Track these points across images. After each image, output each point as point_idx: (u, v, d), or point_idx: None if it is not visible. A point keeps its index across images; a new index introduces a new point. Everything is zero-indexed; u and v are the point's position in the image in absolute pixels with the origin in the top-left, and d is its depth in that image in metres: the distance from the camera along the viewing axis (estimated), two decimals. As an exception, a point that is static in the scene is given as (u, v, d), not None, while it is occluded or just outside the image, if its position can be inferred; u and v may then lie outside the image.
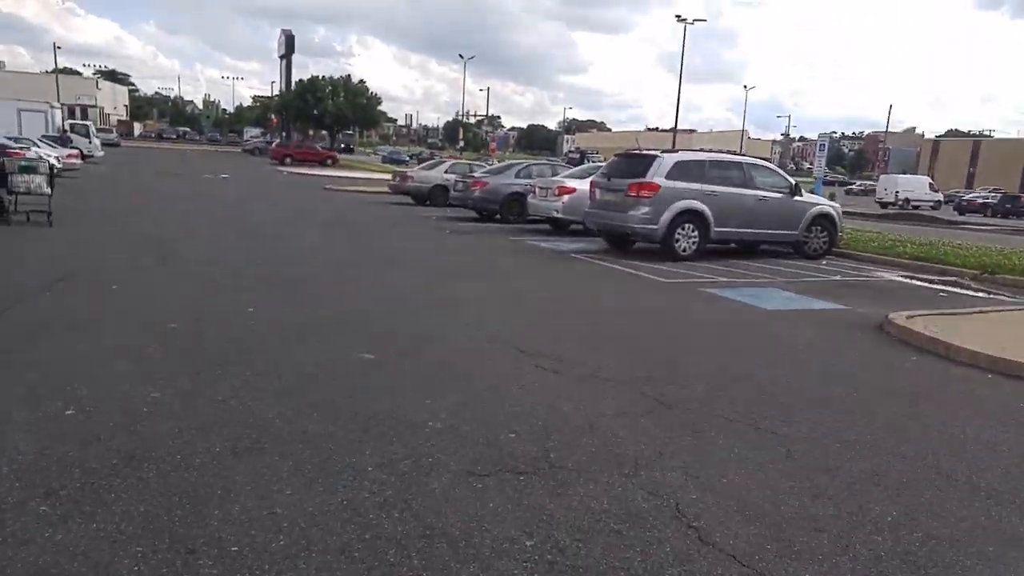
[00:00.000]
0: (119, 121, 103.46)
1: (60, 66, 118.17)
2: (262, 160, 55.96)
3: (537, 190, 16.29)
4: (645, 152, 12.87)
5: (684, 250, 12.38)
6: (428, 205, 22.37)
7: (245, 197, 22.61)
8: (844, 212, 15.36)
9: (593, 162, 26.82)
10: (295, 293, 7.87)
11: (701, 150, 13.29)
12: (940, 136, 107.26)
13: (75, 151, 28.12)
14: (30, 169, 12.22)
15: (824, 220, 13.62)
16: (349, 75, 66.94)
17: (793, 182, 13.45)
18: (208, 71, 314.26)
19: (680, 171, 12.30)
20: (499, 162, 27.41)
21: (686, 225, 12.30)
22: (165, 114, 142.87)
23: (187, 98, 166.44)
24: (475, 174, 19.13)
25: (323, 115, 61.44)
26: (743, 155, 13.97)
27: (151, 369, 4.90)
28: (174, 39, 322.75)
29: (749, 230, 12.97)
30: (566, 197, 15.42)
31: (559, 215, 15.56)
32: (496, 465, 3.70)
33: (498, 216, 18.31)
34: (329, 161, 51.99)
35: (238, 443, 3.77)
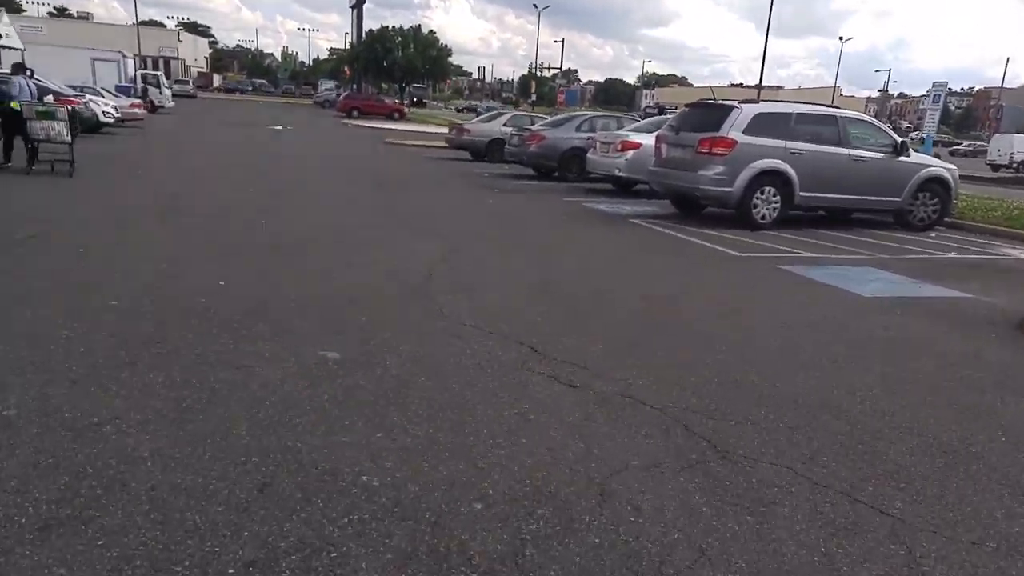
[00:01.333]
0: (199, 73, 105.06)
1: (148, 19, 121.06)
2: (330, 112, 55.45)
3: (598, 145, 14.63)
4: (720, 103, 11.05)
5: (763, 217, 10.61)
6: (485, 161, 20.95)
7: (295, 149, 21.65)
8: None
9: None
10: (282, 264, 6.64)
11: (787, 102, 11.37)
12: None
13: (138, 101, 27.69)
14: (48, 115, 11.37)
15: (935, 185, 11.53)
16: (419, 26, 65.51)
17: (898, 140, 11.39)
18: (288, 23, 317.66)
19: (761, 125, 10.47)
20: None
21: (766, 188, 10.51)
22: (245, 67, 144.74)
23: (267, 51, 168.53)
24: (532, 127, 17.51)
25: (392, 66, 60.24)
26: (836, 107, 11.92)
27: (40, 363, 3.72)
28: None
29: (841, 195, 11.06)
30: (630, 153, 13.74)
31: (621, 173, 13.90)
32: None
33: (556, 174, 16.74)
34: (396, 114, 50.89)
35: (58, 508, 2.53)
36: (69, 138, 11.67)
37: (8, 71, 13.88)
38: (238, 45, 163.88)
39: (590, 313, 5.63)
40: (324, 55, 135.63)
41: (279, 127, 33.15)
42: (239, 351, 4.19)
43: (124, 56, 39.17)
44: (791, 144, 10.54)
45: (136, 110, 26.81)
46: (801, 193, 10.70)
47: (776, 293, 6.78)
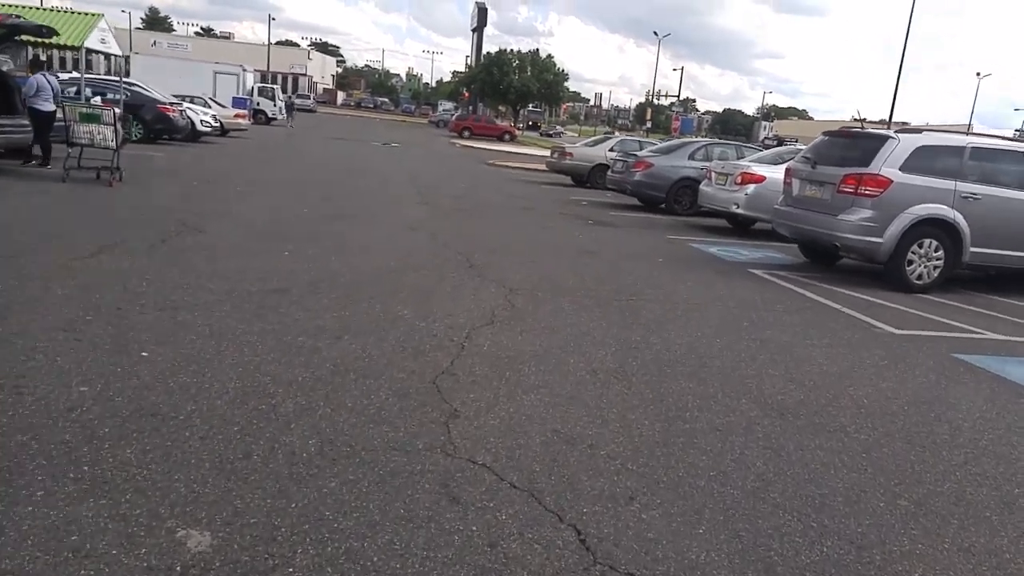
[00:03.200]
0: (324, 89, 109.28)
1: (284, 39, 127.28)
2: (443, 132, 55.41)
3: (713, 176, 12.67)
4: (871, 132, 8.94)
5: (919, 278, 8.42)
6: (587, 187, 19.31)
7: (392, 167, 20.71)
8: None
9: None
10: (293, 314, 5.19)
11: (956, 133, 9.10)
12: None
13: (243, 112, 27.80)
14: (92, 118, 10.57)
15: None
16: (537, 49, 64.70)
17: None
18: (418, 46, 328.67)
19: (923, 160, 8.31)
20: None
21: (926, 241, 8.32)
22: (371, 85, 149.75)
23: (393, 71, 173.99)
24: (638, 153, 15.69)
25: (508, 89, 59.66)
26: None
27: None
28: (389, 17, 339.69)
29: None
30: (751, 187, 11.73)
31: (739, 210, 11.89)
32: None
33: (663, 206, 14.86)
34: (508, 136, 50.13)
35: None
36: (114, 144, 10.83)
37: (102, 75, 13.43)
38: (366, 65, 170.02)
39: (688, 440, 3.81)
40: (447, 77, 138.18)
41: (384, 143, 32.81)
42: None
43: (244, 70, 40.19)
44: (963, 186, 8.31)
45: (240, 120, 26.90)
46: (973, 249, 8.43)
47: (969, 408, 4.70)
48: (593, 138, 23.12)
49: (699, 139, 17.25)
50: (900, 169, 8.19)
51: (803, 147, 13.15)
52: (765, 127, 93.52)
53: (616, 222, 12.84)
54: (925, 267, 8.41)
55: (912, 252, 8.32)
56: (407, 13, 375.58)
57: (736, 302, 7.10)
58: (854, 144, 8.85)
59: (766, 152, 14.13)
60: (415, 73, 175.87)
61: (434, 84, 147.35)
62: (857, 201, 8.29)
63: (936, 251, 8.38)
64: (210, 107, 25.93)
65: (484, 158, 30.47)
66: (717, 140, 18.70)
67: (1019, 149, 8.79)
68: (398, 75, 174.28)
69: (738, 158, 14.43)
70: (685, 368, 4.82)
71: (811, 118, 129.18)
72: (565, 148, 20.77)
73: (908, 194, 8.20)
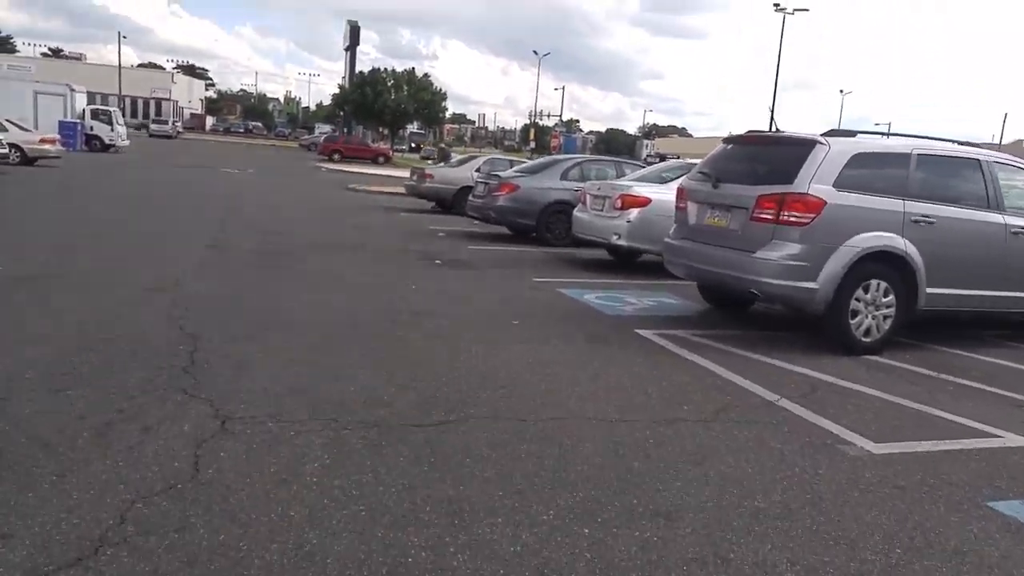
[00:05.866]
0: (192, 115, 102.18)
1: (155, 63, 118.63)
2: (313, 156, 51.56)
3: (588, 199, 10.18)
4: (793, 136, 6.62)
5: (867, 333, 6.10)
6: (453, 213, 16.58)
7: (220, 198, 17.24)
8: None
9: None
10: None
11: (898, 135, 6.90)
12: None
13: (51, 136, 23.38)
14: None
15: None
16: (413, 68, 61.95)
17: (1078, 200, 6.93)
18: (297, 69, 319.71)
19: (861, 172, 6.02)
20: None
21: (872, 283, 6.01)
22: (248, 110, 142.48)
23: (273, 95, 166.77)
24: (501, 174, 13.08)
25: (383, 109, 56.45)
26: (973, 144, 7.39)
27: None
28: (268, 41, 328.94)
29: (993, 292, 6.55)
30: (633, 212, 9.30)
31: (621, 242, 9.42)
32: None
33: (535, 235, 12.31)
34: (382, 159, 46.92)
35: None
36: None
37: None
38: (242, 89, 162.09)
39: None
40: (328, 100, 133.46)
41: (237, 170, 29.04)
42: None
43: (72, 90, 35.17)
44: (912, 206, 6.08)
45: (48, 146, 22.54)
46: (929, 290, 6.19)
47: None
48: (458, 158, 20.46)
49: (572, 156, 14.82)
50: (834, 186, 5.85)
51: (689, 160, 10.93)
52: (647, 145, 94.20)
53: (473, 260, 10.11)
54: (873, 318, 6.09)
55: (856, 299, 5.99)
56: (286, 38, 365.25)
57: (618, 405, 4.44)
58: (770, 153, 6.49)
59: (649, 169, 11.81)
60: (293, 96, 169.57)
61: (313, 107, 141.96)
62: (780, 232, 5.88)
63: (886, 296, 6.09)
64: (6, 130, 21.61)
65: (348, 182, 27.36)
66: (593, 156, 16.37)
67: (975, 156, 6.65)
68: (276, 99, 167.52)
69: (617, 176, 12.09)
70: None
71: (691, 135, 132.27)
72: (425, 170, 18.00)
73: (847, 220, 5.88)
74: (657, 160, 42.91)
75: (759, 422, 4.30)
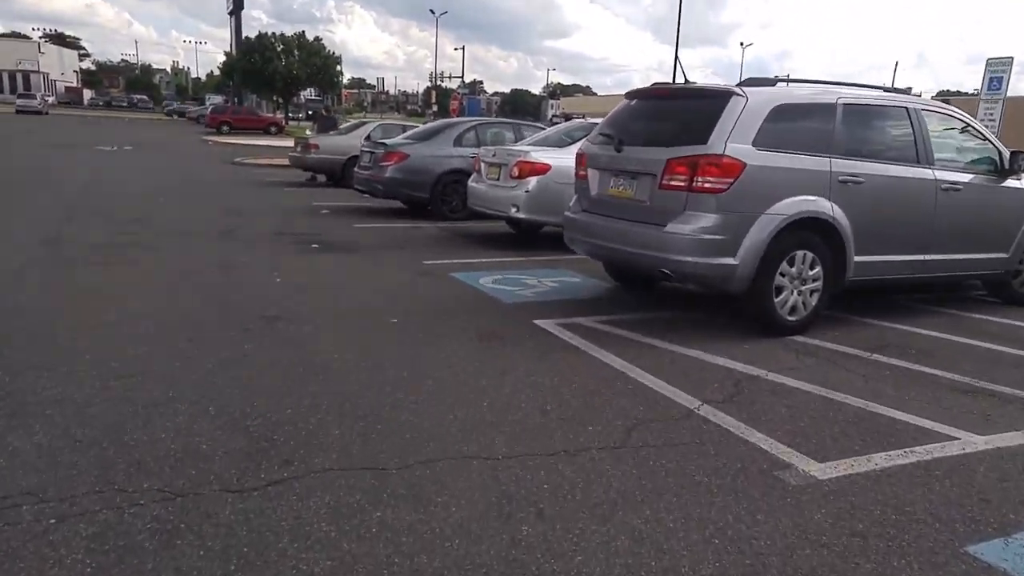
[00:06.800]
0: (67, 88, 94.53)
1: (16, 31, 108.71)
2: (199, 128, 48.22)
3: (483, 167, 9.16)
4: (705, 88, 5.77)
5: (793, 311, 5.38)
6: (345, 186, 15.23)
7: (95, 178, 15.25)
8: None
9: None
10: None
11: (818, 82, 6.12)
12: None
13: None
14: None
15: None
16: (303, 32, 58.51)
17: (1004, 150, 6.39)
18: (183, 37, 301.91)
19: (783, 127, 5.23)
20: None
21: (798, 254, 5.28)
22: (132, 82, 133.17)
23: (159, 66, 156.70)
24: (388, 141, 11.84)
25: (273, 76, 53.30)
26: (899, 90, 6.68)
27: None
28: (149, 5, 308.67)
29: (924, 256, 5.96)
30: (532, 181, 8.35)
31: (519, 214, 8.48)
32: None
33: (430, 208, 11.22)
34: (274, 129, 44.30)
35: None
36: None
37: None
38: (123, 60, 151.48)
39: None
40: (219, 71, 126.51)
41: (114, 147, 26.44)
42: None
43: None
44: (839, 164, 5.35)
45: None
46: (857, 259, 5.52)
47: None
48: (347, 124, 18.96)
49: (466, 119, 13.71)
50: (753, 144, 5.04)
51: (594, 120, 10.06)
52: (552, 105, 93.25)
53: (356, 241, 8.96)
54: (799, 294, 5.38)
55: (781, 274, 5.25)
56: (168, 2, 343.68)
57: (509, 432, 3.50)
58: (679, 109, 5.61)
59: (549, 131, 10.86)
60: (182, 67, 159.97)
61: (204, 77, 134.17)
62: (693, 201, 5.04)
63: (812, 268, 5.38)
64: None
65: (235, 156, 25.36)
66: (488, 119, 15.25)
67: (902, 103, 5.97)
68: (163, 70, 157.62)
69: (516, 140, 11.12)
70: None
71: (595, 94, 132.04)
72: (309, 140, 16.50)
73: (769, 183, 5.09)
74: (562, 121, 42.17)
75: (679, 444, 3.46)
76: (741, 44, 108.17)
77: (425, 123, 15.76)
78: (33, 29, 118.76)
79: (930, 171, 5.84)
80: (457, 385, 4.08)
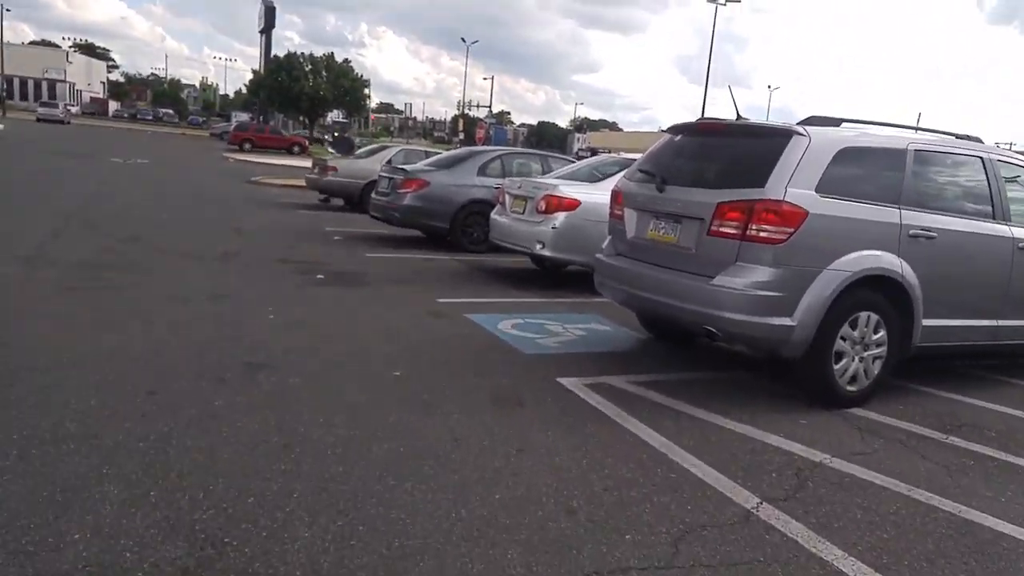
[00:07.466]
0: (92, 98, 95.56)
1: (47, 40, 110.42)
2: (221, 144, 48.30)
3: (508, 200, 8.60)
4: (762, 126, 5.19)
5: (853, 380, 4.72)
6: (363, 211, 14.73)
7: (100, 191, 14.89)
8: None
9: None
10: None
11: (885, 124, 5.52)
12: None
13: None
14: None
15: None
16: (332, 53, 58.85)
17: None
18: (215, 54, 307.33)
19: (850, 173, 4.62)
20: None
21: (861, 316, 4.63)
22: (160, 96, 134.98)
23: (189, 81, 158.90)
24: (408, 168, 11.33)
25: (300, 96, 53.48)
26: (974, 139, 6.05)
27: None
28: (183, 21, 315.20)
29: (993, 323, 5.29)
30: (560, 217, 7.77)
31: (545, 252, 7.88)
32: None
33: (450, 238, 10.67)
34: (297, 149, 44.22)
35: None
36: None
37: None
38: (152, 74, 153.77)
39: None
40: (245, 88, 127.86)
41: (127, 160, 26.26)
42: None
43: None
44: (910, 216, 4.73)
45: None
46: (926, 322, 4.87)
47: None
48: (367, 148, 18.54)
49: (492, 148, 13.20)
50: (817, 190, 4.43)
51: (625, 155, 9.53)
52: (579, 139, 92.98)
53: (366, 273, 8.40)
54: (861, 360, 4.73)
55: (842, 338, 4.61)
56: (203, 19, 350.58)
57: (525, 543, 2.83)
58: (732, 147, 5.00)
59: (579, 164, 10.31)
60: (210, 83, 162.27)
61: (232, 94, 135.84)
62: (747, 251, 4.43)
63: (877, 332, 4.73)
64: None
65: (253, 174, 25.12)
66: (515, 149, 14.71)
67: (978, 152, 5.36)
68: (192, 85, 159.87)
69: (544, 172, 10.59)
70: None
71: (621, 129, 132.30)
72: (328, 162, 16.07)
73: (833, 235, 4.47)
74: (589, 155, 41.82)
75: (739, 563, 2.80)
76: (769, 87, 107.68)
77: (450, 150, 15.30)
78: (64, 39, 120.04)
79: (1007, 228, 5.21)
80: (464, 468, 3.42)
